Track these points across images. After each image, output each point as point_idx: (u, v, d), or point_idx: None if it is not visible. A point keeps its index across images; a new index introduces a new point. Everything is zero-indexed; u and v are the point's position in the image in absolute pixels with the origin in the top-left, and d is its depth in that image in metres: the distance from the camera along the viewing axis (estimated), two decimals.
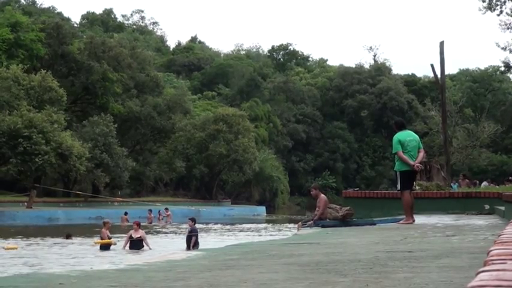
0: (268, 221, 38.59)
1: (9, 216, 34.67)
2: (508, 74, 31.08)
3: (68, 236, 21.59)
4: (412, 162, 10.98)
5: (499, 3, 25.14)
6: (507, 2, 24.93)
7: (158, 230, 28.36)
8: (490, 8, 25.26)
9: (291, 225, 24.66)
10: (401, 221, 11.06)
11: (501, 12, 25.28)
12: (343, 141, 74.02)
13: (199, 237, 18.13)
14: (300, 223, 20.80)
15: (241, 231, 28.17)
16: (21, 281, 5.89)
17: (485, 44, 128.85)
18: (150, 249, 17.33)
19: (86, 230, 24.91)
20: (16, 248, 18.28)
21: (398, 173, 10.89)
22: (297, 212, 34.94)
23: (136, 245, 17.53)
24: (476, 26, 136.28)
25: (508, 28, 25.46)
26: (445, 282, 3.61)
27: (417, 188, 15.37)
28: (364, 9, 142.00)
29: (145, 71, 57.53)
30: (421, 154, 11.33)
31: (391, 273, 4.31)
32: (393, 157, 11.32)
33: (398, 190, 11.08)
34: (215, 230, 28.58)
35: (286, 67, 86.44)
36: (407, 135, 11.09)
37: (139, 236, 17.77)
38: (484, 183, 34.81)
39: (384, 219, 12.60)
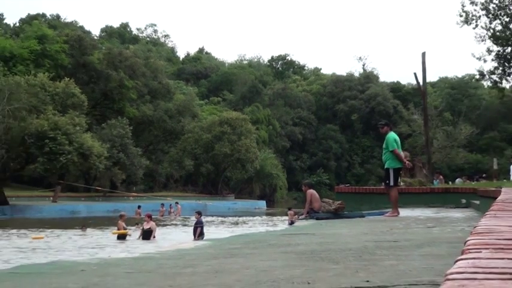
0: (268, 214, 38.56)
1: (37, 209, 34.76)
2: (482, 82, 31.06)
3: (83, 227, 21.69)
4: (405, 160, 11.00)
5: (474, 18, 25.14)
6: (481, 17, 24.95)
7: (169, 222, 28.37)
8: (467, 22, 25.26)
9: (286, 217, 24.62)
10: (387, 214, 11.05)
11: (476, 26, 25.29)
12: (335, 142, 74.04)
13: (205, 228, 18.13)
14: (291, 211, 20.91)
15: (243, 223, 28.17)
16: (46, 267, 5.90)
17: (462, 55, 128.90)
18: (154, 237, 17.37)
19: (104, 222, 24.92)
20: (42, 238, 18.32)
21: (391, 170, 10.79)
22: (294, 205, 34.94)
23: (146, 235, 17.51)
24: (455, 38, 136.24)
25: (482, 40, 25.46)
26: (427, 269, 3.61)
27: (402, 184, 15.39)
28: (355, 23, 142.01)
29: (158, 79, 57.67)
30: (405, 153, 11.35)
31: (379, 261, 4.31)
32: (383, 155, 11.06)
33: (391, 186, 10.92)
34: (222, 222, 28.56)
35: (284, 75, 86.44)
36: (397, 136, 11.09)
37: (149, 227, 17.75)
38: (458, 179, 34.87)
39: (372, 212, 12.62)
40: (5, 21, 69.65)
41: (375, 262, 4.25)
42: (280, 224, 21.87)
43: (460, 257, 1.87)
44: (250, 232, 14.91)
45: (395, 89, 79.73)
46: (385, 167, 11.00)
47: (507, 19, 24.59)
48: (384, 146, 10.93)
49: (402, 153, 11.19)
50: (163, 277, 4.26)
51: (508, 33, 24.64)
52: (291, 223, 19.79)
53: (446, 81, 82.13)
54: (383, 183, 11.97)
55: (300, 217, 13.50)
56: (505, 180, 26.35)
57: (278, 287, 3.39)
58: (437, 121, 55.54)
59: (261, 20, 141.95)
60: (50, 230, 21.53)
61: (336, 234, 7.31)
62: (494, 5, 24.58)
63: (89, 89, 48.10)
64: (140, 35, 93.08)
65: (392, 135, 10.91)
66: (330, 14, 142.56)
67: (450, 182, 30.01)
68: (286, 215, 21.61)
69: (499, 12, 24.64)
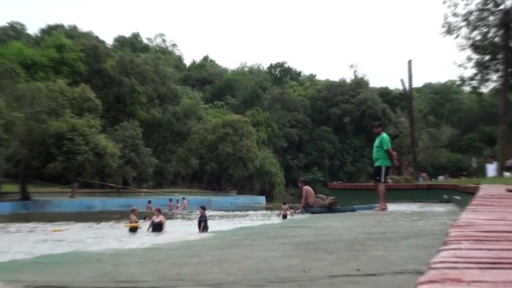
0: (267, 209, 38.54)
1: (56, 204, 34.73)
2: (463, 87, 31.06)
3: (97, 221, 21.73)
4: (395, 159, 10.98)
5: (455, 28, 25.10)
6: (462, 28, 24.90)
7: (177, 215, 28.31)
8: (449, 32, 25.21)
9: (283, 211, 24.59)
10: (376, 208, 11.03)
11: (457, 36, 25.22)
12: (329, 143, 73.90)
13: (210, 221, 18.07)
14: (285, 206, 20.92)
15: (245, 216, 28.11)
16: (65, 257, 5.90)
17: (445, 62, 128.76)
18: (167, 231, 17.20)
19: (118, 216, 24.89)
20: (61, 231, 18.31)
21: (383, 168, 10.72)
22: (291, 201, 34.85)
23: (157, 228, 17.41)
24: (438, 47, 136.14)
25: (463, 49, 25.40)
26: (412, 259, 3.60)
27: (389, 181, 15.40)
28: (347, 33, 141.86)
29: (166, 84, 57.64)
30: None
31: (368, 251, 4.30)
32: (374, 153, 10.89)
33: (383, 182, 10.84)
34: (224, 216, 28.51)
35: (282, 81, 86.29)
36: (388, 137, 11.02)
37: (159, 220, 17.65)
38: (440, 177, 34.79)
39: (362, 207, 12.63)
40: (26, 31, 69.53)
41: (365, 252, 4.24)
42: (277, 217, 21.83)
43: (442, 248, 1.88)
44: (250, 225, 14.89)
45: (384, 93, 79.60)
46: (377, 164, 10.87)
47: (485, 30, 24.56)
48: (377, 144, 10.76)
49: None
50: (172, 266, 4.26)
51: (486, 42, 24.60)
52: (284, 216, 19.81)
53: (430, 86, 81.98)
54: (373, 180, 11.93)
55: (297, 211, 13.53)
56: (483, 177, 26.30)
57: (276, 275, 3.39)
58: (422, 123, 55.56)
59: (261, 30, 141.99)
60: (68, 223, 21.54)
61: (329, 227, 7.30)
62: (474, 17, 24.55)
63: (103, 94, 48.11)
64: (150, 44, 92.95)
65: (386, 136, 10.84)
66: (325, 24, 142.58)
67: (433, 179, 29.95)
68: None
69: (478, 23, 24.61)
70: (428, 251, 3.69)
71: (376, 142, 10.75)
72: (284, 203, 22.20)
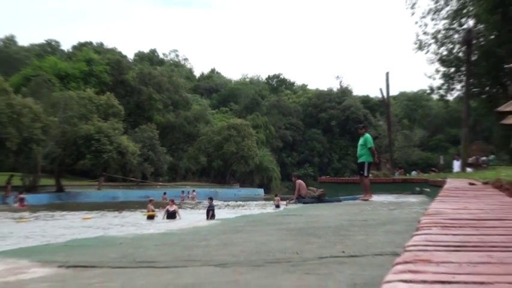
0: (265, 199, 38.53)
1: (85, 195, 34.72)
2: (432, 95, 31.06)
3: (119, 210, 21.70)
4: (377, 156, 10.94)
5: (425, 45, 25.13)
6: (431, 45, 24.92)
7: (187, 206, 28.29)
8: (420, 48, 25.23)
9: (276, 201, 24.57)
10: (362, 198, 10.90)
11: (427, 51, 25.26)
12: (318, 143, 73.76)
13: (216, 210, 18.02)
14: (277, 197, 20.88)
15: (245, 206, 28.09)
16: (92, 241, 5.88)
17: (417, 74, 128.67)
18: (180, 219, 17.11)
19: (137, 206, 24.87)
20: (90, 218, 18.29)
21: (366, 163, 10.61)
22: (286, 192, 34.69)
23: (171, 216, 17.32)
24: (411, 61, 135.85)
25: (432, 63, 25.44)
26: (389, 242, 3.60)
27: (370, 175, 15.36)
28: (335, 49, 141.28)
29: (179, 93, 57.62)
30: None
31: (352, 236, 4.29)
32: (359, 151, 10.75)
33: (365, 176, 10.76)
34: (229, 205, 28.50)
35: (278, 90, 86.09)
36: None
37: (173, 209, 17.54)
38: (414, 172, 34.67)
39: (347, 198, 12.56)
40: (61, 47, 69.51)
41: (349, 237, 4.23)
42: (271, 207, 21.81)
43: (415, 233, 1.87)
44: (250, 213, 14.88)
45: (365, 101, 79.45)
46: (361, 160, 10.78)
47: (451, 46, 24.56)
48: (361, 143, 10.63)
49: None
50: (184, 248, 4.25)
51: (451, 57, 24.60)
52: (277, 206, 19.78)
53: (404, 95, 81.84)
54: (357, 175, 11.87)
55: (291, 202, 13.46)
56: (449, 172, 26.26)
57: (273, 256, 3.38)
58: (398, 126, 55.61)
59: (260, 46, 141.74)
60: (95, 212, 21.52)
61: (318, 215, 7.27)
62: (441, 35, 24.56)
63: (125, 101, 48.09)
64: (165, 58, 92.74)
65: (370, 136, 10.74)
66: (315, 41, 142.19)
67: (407, 174, 29.88)
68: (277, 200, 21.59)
69: (445, 41, 24.61)
70: (403, 236, 3.68)
71: (361, 141, 10.71)
72: (276, 195, 22.15)
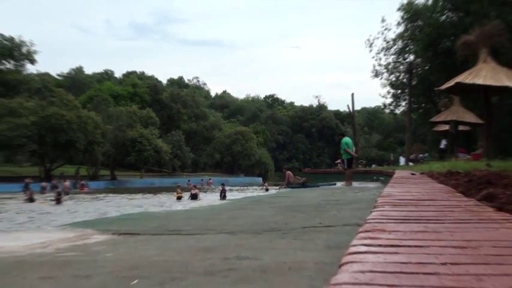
0: (262, 185, 38.27)
1: (131, 182, 34.57)
2: (385, 110, 30.88)
3: (157, 193, 21.55)
4: (353, 154, 10.76)
5: (380, 73, 25.10)
6: (384, 73, 24.88)
7: (205, 190, 28.20)
8: (376, 75, 25.22)
9: (271, 187, 24.50)
10: (343, 183, 10.51)
11: (381, 78, 25.24)
12: (302, 144, 73.41)
13: (227, 193, 17.97)
14: (266, 184, 20.73)
15: (249, 190, 28.00)
16: (136, 216, 5.89)
17: (375, 93, 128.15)
18: (200, 199, 16.90)
19: (169, 190, 24.83)
20: (135, 199, 18.10)
21: (346, 160, 10.37)
22: (278, 180, 34.67)
23: (193, 197, 17.21)
24: (370, 84, 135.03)
25: (384, 86, 25.41)
26: (354, 216, 3.59)
27: (340, 168, 15.26)
28: (314, 75, 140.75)
29: (199, 108, 57.48)
30: (355, 149, 11.13)
31: (327, 212, 4.29)
32: (341, 150, 10.47)
33: (345, 168, 10.54)
34: (236, 189, 28.38)
35: (273, 106, 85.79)
36: (349, 140, 10.61)
37: (195, 192, 17.49)
38: (373, 165, 34.61)
39: (323, 184, 12.52)
40: (114, 75, 69.42)
41: (325, 212, 4.23)
42: (270, 191, 21.68)
43: (373, 210, 1.86)
44: (252, 195, 14.88)
45: (337, 114, 78.98)
46: (342, 158, 10.68)
47: (398, 74, 24.58)
48: (341, 146, 10.40)
49: (354, 149, 10.83)
50: (203, 220, 4.25)
51: (398, 82, 24.61)
52: (266, 190, 19.70)
53: (365, 109, 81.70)
54: (341, 167, 11.68)
55: (282, 187, 13.43)
56: (397, 166, 26.19)
57: (269, 226, 3.37)
58: (361, 132, 55.36)
59: (260, 73, 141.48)
60: (139, 194, 21.49)
61: (302, 197, 7.28)
62: (391, 66, 24.57)
63: (160, 114, 47.98)
64: (189, 83, 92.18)
65: (345, 140, 10.41)
66: (300, 69, 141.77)
67: (367, 167, 29.84)
68: (263, 184, 21.32)
69: (394, 70, 24.64)
70: (364, 212, 3.68)
71: (341, 145, 10.56)
72: (264, 182, 22.00)
